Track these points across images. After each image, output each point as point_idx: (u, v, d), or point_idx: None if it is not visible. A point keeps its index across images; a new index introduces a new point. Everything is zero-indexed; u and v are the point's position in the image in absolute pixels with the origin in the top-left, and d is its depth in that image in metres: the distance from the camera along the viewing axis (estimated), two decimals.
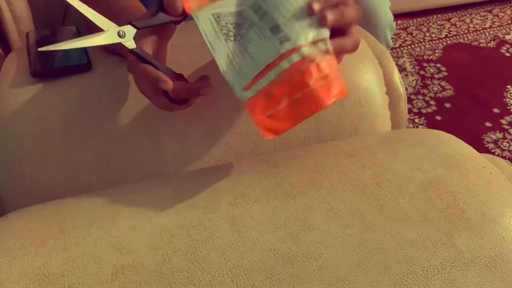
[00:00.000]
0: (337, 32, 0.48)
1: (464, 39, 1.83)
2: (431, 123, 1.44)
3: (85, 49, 0.66)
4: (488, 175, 0.49)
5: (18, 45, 0.79)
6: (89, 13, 0.49)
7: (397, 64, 1.68)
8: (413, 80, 1.61)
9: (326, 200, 0.45)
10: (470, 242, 0.43)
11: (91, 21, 0.50)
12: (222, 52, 0.47)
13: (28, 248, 0.42)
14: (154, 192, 0.48)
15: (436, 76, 1.63)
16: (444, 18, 1.95)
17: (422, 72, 1.65)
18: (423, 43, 1.80)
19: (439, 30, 1.88)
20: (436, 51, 1.76)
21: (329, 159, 0.50)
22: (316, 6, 0.45)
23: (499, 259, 0.42)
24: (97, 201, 0.47)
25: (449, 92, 1.56)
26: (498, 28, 1.89)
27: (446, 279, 0.40)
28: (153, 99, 0.50)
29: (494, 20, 1.94)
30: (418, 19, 1.94)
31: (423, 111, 1.49)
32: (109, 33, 0.49)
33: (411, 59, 1.71)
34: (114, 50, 0.64)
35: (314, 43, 0.45)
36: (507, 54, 1.74)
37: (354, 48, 0.49)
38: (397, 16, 1.92)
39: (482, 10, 2.01)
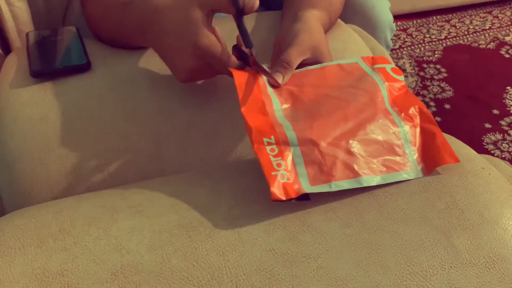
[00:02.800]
0: None
1: (463, 40, 1.83)
2: None
3: (84, 50, 0.66)
4: (487, 176, 0.49)
5: (18, 45, 0.79)
6: None
7: (397, 65, 1.68)
8: (412, 81, 1.62)
9: (325, 200, 0.45)
10: (469, 242, 0.43)
11: None
12: None
13: (27, 248, 0.42)
14: (153, 193, 0.48)
15: (435, 77, 1.63)
16: (443, 19, 1.95)
17: (421, 73, 1.65)
18: (423, 44, 1.80)
19: (438, 31, 1.88)
20: (436, 52, 1.76)
21: None
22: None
23: (498, 259, 0.42)
24: (97, 201, 0.47)
25: (449, 93, 1.56)
26: (498, 29, 1.89)
27: (445, 279, 0.40)
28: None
29: (493, 21, 1.95)
30: (418, 20, 1.94)
31: None
32: None
33: (410, 60, 1.72)
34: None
35: None
36: (507, 56, 1.74)
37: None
38: (397, 17, 1.92)
39: (481, 11, 2.01)
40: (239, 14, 0.53)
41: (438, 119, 1.47)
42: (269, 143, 0.47)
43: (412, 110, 0.53)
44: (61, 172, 0.56)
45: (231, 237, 0.42)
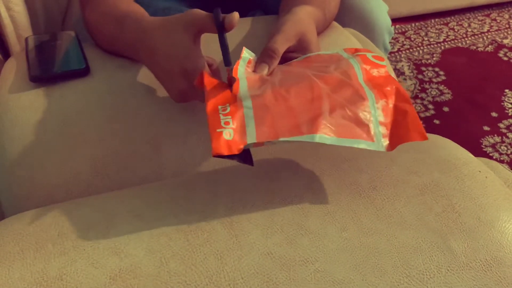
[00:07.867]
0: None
1: (462, 43, 1.83)
2: (430, 127, 1.44)
3: (83, 54, 0.66)
4: (483, 179, 0.49)
5: (17, 50, 0.79)
6: None
7: (395, 68, 1.68)
8: (411, 84, 1.62)
9: (322, 204, 0.46)
10: (465, 245, 0.43)
11: None
12: None
13: (26, 252, 0.42)
14: (152, 196, 0.49)
15: (434, 80, 1.64)
16: (442, 23, 1.96)
17: (420, 76, 1.66)
18: (421, 47, 1.81)
19: (437, 34, 1.88)
20: (434, 55, 1.76)
21: (326, 163, 0.51)
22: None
23: (495, 262, 0.42)
24: (95, 205, 0.47)
25: (447, 96, 1.57)
26: (496, 32, 1.90)
27: (442, 282, 0.40)
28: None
29: (492, 24, 1.95)
30: (416, 23, 1.95)
31: (421, 115, 1.49)
32: None
33: (409, 63, 1.72)
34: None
35: None
36: (505, 58, 1.75)
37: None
38: (395, 20, 1.92)
39: (480, 14, 2.02)
40: (220, 31, 0.54)
41: (437, 122, 1.47)
42: (223, 108, 0.46)
43: (388, 89, 0.51)
44: (60, 176, 0.56)
45: (229, 240, 0.42)
